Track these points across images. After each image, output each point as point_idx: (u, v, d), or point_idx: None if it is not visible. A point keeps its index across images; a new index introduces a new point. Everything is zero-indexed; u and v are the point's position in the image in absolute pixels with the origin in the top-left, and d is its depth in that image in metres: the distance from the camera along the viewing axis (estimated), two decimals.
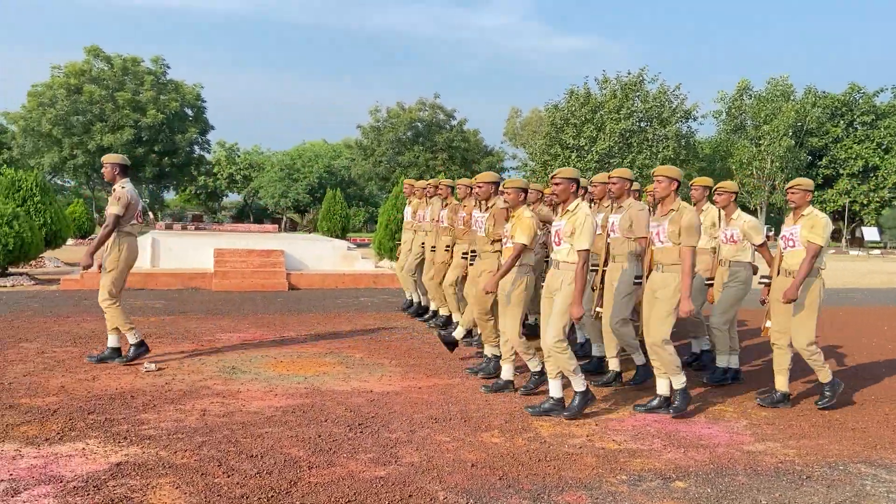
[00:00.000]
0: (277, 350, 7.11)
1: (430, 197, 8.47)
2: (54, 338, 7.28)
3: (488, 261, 6.10)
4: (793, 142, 50.60)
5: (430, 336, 8.19)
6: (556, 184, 5.03)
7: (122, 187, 6.13)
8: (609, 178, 5.99)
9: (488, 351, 6.27)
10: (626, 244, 5.78)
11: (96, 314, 8.99)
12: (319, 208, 37.78)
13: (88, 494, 3.40)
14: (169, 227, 33.38)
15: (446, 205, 7.91)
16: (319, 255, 15.20)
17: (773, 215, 57.05)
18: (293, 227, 59.03)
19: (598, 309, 5.92)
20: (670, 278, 5.09)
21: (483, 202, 6.39)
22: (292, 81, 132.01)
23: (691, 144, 49.34)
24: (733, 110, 54.24)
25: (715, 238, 6.31)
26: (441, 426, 4.71)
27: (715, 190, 6.30)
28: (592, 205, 6.52)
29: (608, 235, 5.97)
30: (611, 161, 47.35)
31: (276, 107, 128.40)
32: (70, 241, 23.08)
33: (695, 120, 48.68)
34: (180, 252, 14.11)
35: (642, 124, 49.11)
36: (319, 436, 4.40)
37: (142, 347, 6.27)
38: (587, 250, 4.84)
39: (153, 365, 6.06)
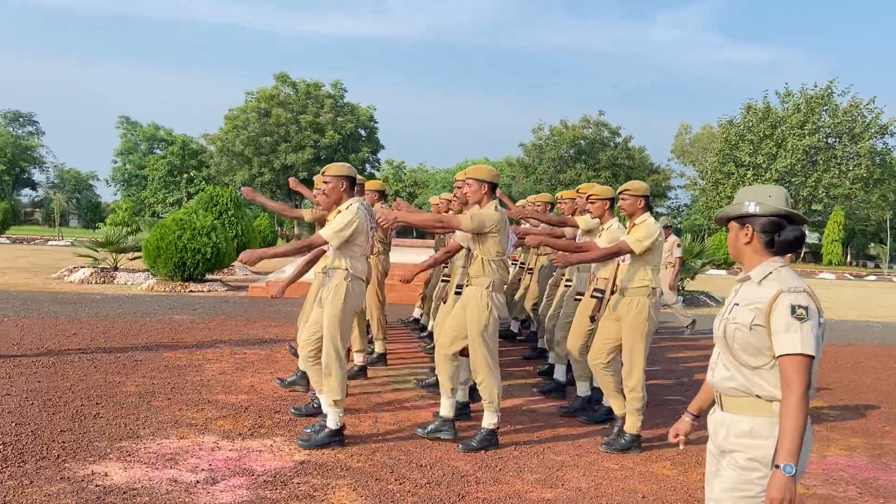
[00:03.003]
0: None
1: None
2: (244, 339, 7.96)
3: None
4: None
5: None
6: (326, 182, 4.46)
7: None
8: (465, 180, 5.06)
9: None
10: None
11: (281, 320, 9.71)
12: None
13: (276, 489, 3.66)
14: None
15: None
16: None
17: None
18: None
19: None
20: (473, 293, 4.47)
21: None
22: (458, 100, 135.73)
23: (887, 162, 44.68)
24: None
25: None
26: (609, 452, 4.57)
27: (619, 193, 4.99)
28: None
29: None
30: (792, 180, 44.01)
31: (441, 125, 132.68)
32: None
33: (892, 136, 44.02)
34: None
35: (830, 140, 45.26)
36: (485, 451, 4.43)
37: None
38: (327, 242, 4.33)
39: None
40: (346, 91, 50.24)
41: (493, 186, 4.47)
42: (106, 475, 3.71)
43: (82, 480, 3.62)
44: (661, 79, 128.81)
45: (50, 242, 30.72)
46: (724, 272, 30.20)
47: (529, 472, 4.13)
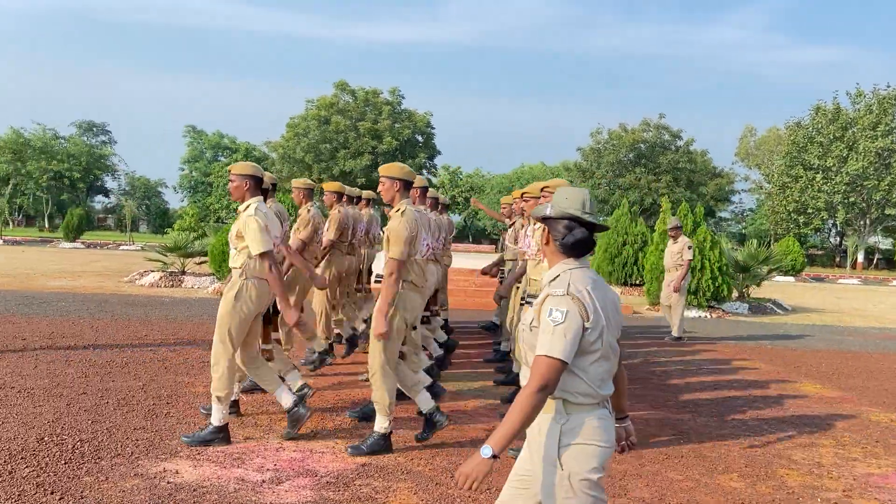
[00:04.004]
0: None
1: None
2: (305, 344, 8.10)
3: None
4: None
5: (655, 365, 7.87)
6: (231, 181, 4.49)
7: None
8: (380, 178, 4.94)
9: None
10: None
11: None
12: None
13: (339, 490, 3.72)
14: None
15: None
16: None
17: None
18: None
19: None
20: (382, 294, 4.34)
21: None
22: (514, 105, 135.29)
23: None
24: None
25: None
26: (672, 463, 4.48)
27: (541, 191, 4.89)
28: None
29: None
30: (864, 183, 42.27)
31: (497, 131, 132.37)
32: None
33: None
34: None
35: None
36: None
37: None
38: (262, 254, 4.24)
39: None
40: (403, 97, 50.69)
41: (406, 184, 4.44)
42: (177, 473, 3.84)
43: (154, 477, 3.75)
44: (724, 81, 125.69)
45: (121, 247, 31.98)
46: (792, 279, 29.12)
47: None
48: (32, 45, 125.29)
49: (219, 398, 4.33)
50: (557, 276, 2.22)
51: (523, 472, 2.34)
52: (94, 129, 67.81)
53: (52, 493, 3.48)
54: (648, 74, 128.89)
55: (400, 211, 4.36)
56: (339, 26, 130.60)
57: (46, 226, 58.32)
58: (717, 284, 13.99)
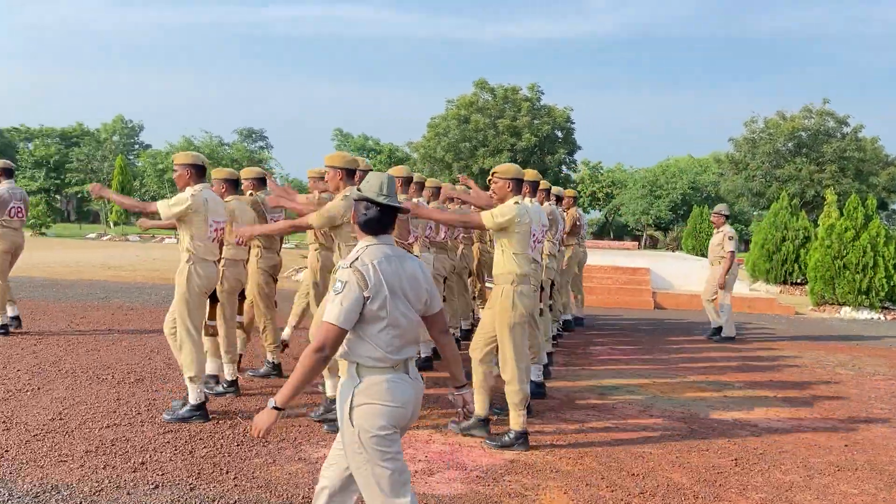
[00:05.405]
0: (649, 368, 7.03)
1: None
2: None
3: None
4: None
5: (822, 369, 7.29)
6: (174, 170, 4.69)
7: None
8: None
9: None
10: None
11: None
12: (683, 226, 36.59)
13: (489, 484, 3.76)
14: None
15: None
16: (686, 274, 14.65)
17: None
18: (653, 244, 57.93)
19: None
20: (332, 280, 4.31)
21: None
22: (659, 97, 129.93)
23: None
24: None
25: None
26: (845, 475, 4.13)
27: (491, 176, 4.62)
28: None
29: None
30: None
31: (641, 123, 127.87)
32: None
33: None
34: None
35: None
36: (703, 465, 4.21)
37: (15, 321, 7.35)
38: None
39: None
40: (542, 93, 50.26)
41: (349, 173, 4.48)
42: None
43: (316, 462, 3.97)
44: None
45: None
46: None
47: (754, 490, 3.85)
48: (204, 60, 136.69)
49: (191, 378, 4.58)
50: (358, 251, 2.46)
51: (341, 435, 2.53)
52: (254, 135, 72.78)
53: (226, 472, 3.78)
54: (811, 57, 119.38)
55: (343, 195, 4.44)
56: (482, 26, 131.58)
57: None
58: (892, 283, 12.73)
